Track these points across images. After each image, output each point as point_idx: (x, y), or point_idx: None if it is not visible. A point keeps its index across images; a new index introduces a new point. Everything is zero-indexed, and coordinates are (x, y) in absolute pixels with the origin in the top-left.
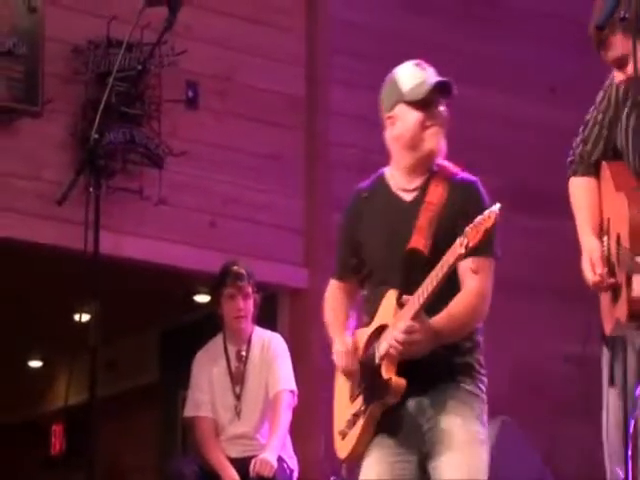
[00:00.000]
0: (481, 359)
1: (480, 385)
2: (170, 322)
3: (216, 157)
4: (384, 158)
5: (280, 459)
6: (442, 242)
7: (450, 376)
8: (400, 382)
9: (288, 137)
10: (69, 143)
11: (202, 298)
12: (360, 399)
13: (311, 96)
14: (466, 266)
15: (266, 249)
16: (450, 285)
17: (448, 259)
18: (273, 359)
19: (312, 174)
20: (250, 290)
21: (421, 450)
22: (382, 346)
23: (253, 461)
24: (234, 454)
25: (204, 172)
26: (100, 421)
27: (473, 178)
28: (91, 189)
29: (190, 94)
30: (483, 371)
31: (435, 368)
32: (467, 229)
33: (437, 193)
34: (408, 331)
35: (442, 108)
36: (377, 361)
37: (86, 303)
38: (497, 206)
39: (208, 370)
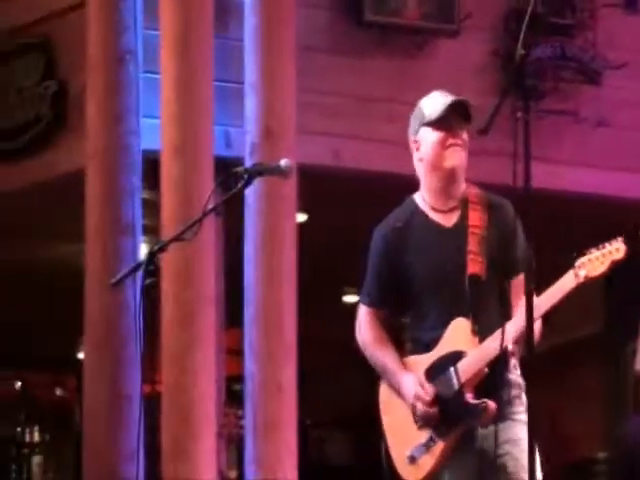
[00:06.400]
0: None
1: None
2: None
3: None
4: None
5: None
6: (492, 265)
7: (509, 404)
8: (492, 405)
9: None
10: (490, 63)
11: None
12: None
13: None
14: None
15: None
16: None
17: (563, 288)
18: None
19: None
20: None
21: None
22: (464, 370)
23: None
24: None
25: None
26: (534, 378)
27: (505, 200)
28: (519, 114)
29: None
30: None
31: (499, 393)
32: (583, 260)
33: (477, 217)
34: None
35: (464, 131)
36: (456, 387)
37: None
38: (620, 239)
39: None
